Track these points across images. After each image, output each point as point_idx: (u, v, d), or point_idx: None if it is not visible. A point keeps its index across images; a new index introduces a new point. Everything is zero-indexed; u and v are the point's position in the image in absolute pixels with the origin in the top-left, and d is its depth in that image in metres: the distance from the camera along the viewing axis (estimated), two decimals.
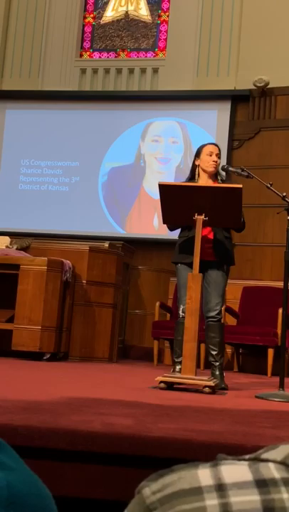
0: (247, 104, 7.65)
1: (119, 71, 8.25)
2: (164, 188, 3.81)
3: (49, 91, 8.25)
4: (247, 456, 0.52)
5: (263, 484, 0.48)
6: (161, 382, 3.57)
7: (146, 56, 8.36)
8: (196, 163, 4.23)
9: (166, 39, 8.23)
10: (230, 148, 7.59)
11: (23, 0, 8.49)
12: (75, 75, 8.33)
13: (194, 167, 4.25)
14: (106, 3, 8.54)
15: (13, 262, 5.56)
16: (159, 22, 8.37)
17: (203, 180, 4.16)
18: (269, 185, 3.96)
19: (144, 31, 8.40)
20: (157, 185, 3.85)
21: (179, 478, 0.50)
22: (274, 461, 0.50)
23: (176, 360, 4.06)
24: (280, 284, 4.21)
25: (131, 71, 8.20)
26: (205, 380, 3.58)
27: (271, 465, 0.50)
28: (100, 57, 8.51)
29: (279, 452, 0.51)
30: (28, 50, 8.44)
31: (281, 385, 3.59)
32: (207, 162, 4.17)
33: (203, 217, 3.73)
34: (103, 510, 1.79)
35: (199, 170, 4.21)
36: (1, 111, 8.37)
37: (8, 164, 8.25)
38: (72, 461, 1.77)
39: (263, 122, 7.59)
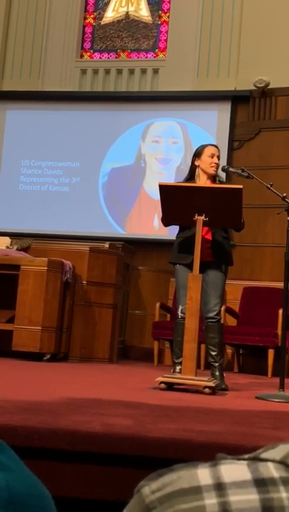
0: (247, 105, 7.65)
1: (119, 72, 8.25)
2: (164, 189, 3.81)
3: (49, 91, 8.25)
4: (246, 456, 0.52)
5: (261, 483, 0.48)
6: (161, 382, 3.57)
7: (146, 57, 8.36)
8: (196, 163, 4.18)
9: (166, 40, 8.23)
10: (231, 149, 7.58)
11: (24, 0, 8.49)
12: (75, 75, 8.33)
13: (194, 167, 4.21)
14: (106, 4, 8.54)
15: (13, 262, 5.56)
16: (159, 23, 8.37)
17: (202, 181, 4.14)
18: (269, 186, 3.96)
19: (144, 32, 8.40)
20: (157, 186, 3.85)
21: (179, 478, 0.50)
22: (273, 461, 0.50)
23: (176, 360, 4.05)
24: (280, 285, 4.21)
25: (131, 72, 8.20)
26: (205, 381, 3.58)
27: (270, 464, 0.50)
28: (100, 57, 8.51)
29: (278, 452, 0.51)
30: (29, 51, 8.44)
31: (281, 386, 3.59)
32: (209, 164, 4.14)
33: (203, 217, 3.73)
34: (103, 511, 1.79)
35: (199, 171, 4.17)
36: (2, 111, 8.37)
37: (8, 165, 8.25)
38: (71, 461, 1.77)
39: (263, 123, 7.59)
